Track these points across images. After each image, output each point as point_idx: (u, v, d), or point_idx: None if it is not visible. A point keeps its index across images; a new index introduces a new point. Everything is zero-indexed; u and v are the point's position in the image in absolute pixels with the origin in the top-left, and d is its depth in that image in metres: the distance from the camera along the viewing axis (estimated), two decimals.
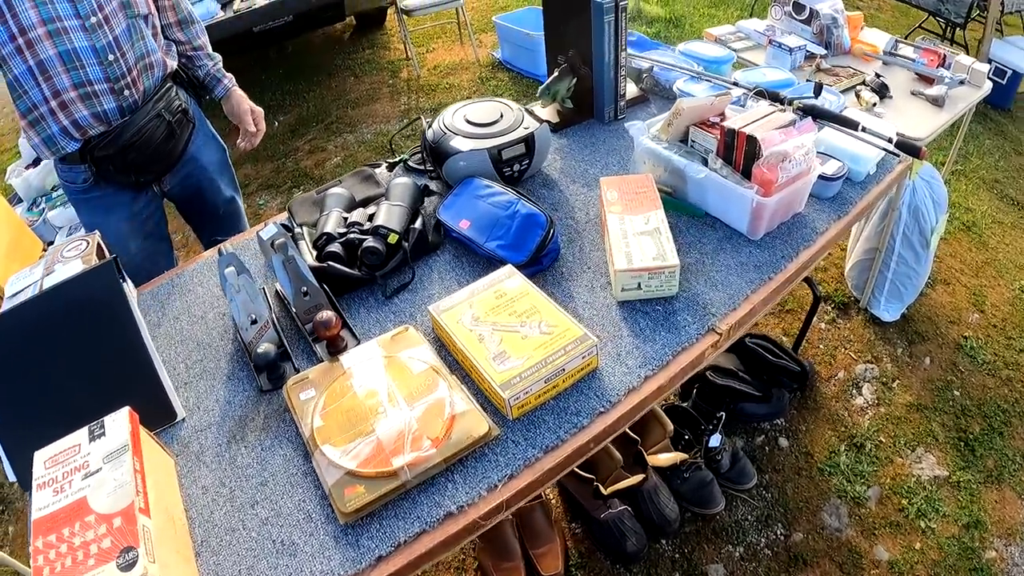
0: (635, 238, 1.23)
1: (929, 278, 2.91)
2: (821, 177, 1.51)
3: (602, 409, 1.06)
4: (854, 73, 2.31)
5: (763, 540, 1.98)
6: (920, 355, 2.61)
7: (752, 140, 1.30)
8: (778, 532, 2.00)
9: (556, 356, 1.06)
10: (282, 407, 1.12)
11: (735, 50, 2.45)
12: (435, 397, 1.05)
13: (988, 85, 2.51)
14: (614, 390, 1.08)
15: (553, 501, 2.00)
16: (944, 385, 2.50)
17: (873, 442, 2.25)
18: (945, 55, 2.48)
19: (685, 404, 2.16)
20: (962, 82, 2.40)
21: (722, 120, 1.43)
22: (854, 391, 2.46)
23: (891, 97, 2.25)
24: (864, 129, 1.56)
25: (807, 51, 2.37)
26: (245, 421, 1.11)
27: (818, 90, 1.62)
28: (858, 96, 2.16)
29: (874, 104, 2.14)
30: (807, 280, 2.42)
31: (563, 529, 1.93)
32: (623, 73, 1.65)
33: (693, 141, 1.46)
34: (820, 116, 1.63)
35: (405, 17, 4.30)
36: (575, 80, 1.64)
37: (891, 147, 1.56)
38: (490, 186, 1.36)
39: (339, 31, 5.18)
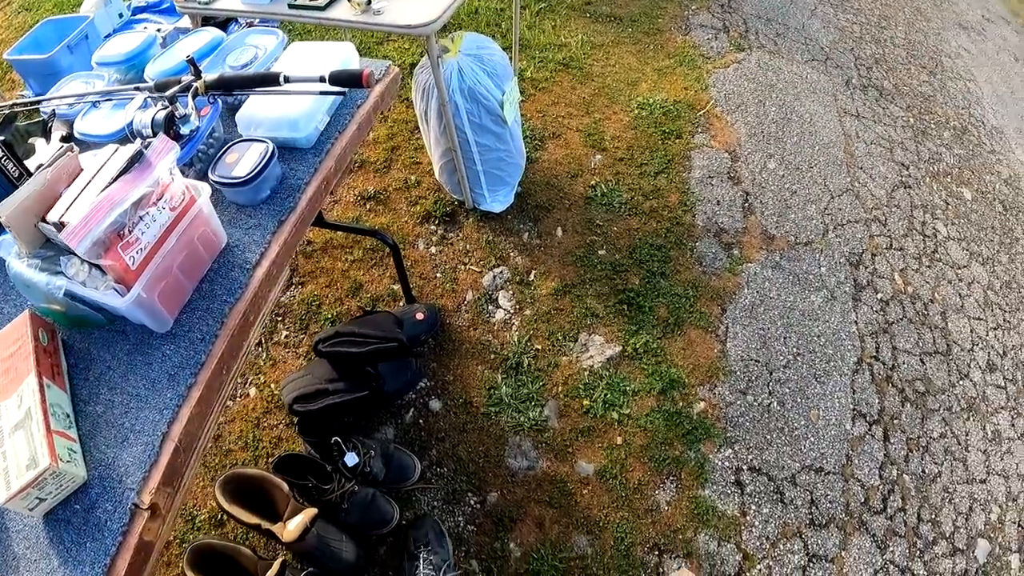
0: (11, 439, 0.89)
1: (536, 139, 2.70)
2: (237, 184, 1.12)
3: None
4: None
5: (461, 519, 1.80)
6: (550, 229, 2.39)
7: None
8: (472, 503, 1.83)
9: None
10: None
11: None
12: None
13: None
14: None
15: None
16: (587, 250, 2.32)
17: (529, 355, 2.07)
18: None
19: (296, 449, 1.84)
20: None
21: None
22: (490, 307, 2.19)
23: None
24: (288, 79, 1.19)
25: None
26: None
27: (196, 70, 1.18)
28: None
29: (368, 1, 1.74)
30: (373, 232, 2.07)
31: None
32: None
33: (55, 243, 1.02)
34: (231, 87, 1.22)
35: None
36: None
37: (330, 88, 1.21)
38: None
39: None
